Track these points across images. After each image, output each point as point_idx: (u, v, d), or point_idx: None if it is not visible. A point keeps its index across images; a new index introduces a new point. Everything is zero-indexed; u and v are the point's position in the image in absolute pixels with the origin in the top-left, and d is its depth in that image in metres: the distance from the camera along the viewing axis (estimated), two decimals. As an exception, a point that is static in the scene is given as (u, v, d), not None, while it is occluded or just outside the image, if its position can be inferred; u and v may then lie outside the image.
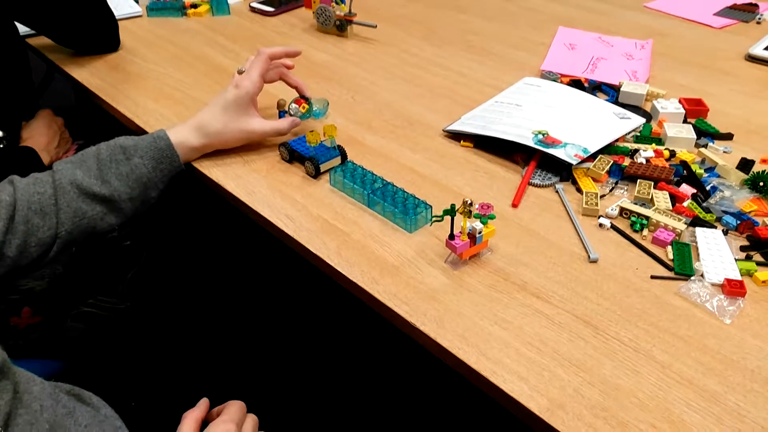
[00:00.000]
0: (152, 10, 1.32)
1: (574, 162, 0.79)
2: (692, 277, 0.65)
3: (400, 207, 0.72)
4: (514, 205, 0.75)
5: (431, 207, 0.72)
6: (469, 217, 0.64)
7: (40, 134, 1.01)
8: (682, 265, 0.66)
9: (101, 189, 0.74)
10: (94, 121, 1.22)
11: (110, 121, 1.02)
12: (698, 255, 0.67)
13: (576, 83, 1.02)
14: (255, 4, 1.36)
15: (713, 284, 0.64)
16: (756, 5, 1.35)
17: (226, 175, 0.82)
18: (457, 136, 0.89)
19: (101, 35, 1.12)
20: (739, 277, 0.64)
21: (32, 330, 0.89)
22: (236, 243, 1.37)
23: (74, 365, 0.91)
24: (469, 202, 0.62)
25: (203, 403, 0.71)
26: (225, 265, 1.32)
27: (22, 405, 0.52)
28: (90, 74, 1.07)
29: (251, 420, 0.69)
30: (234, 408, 0.69)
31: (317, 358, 1.25)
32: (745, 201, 0.75)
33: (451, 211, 0.63)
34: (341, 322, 1.29)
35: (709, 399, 0.53)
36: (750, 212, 0.73)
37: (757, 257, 0.68)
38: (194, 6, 1.34)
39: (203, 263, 1.21)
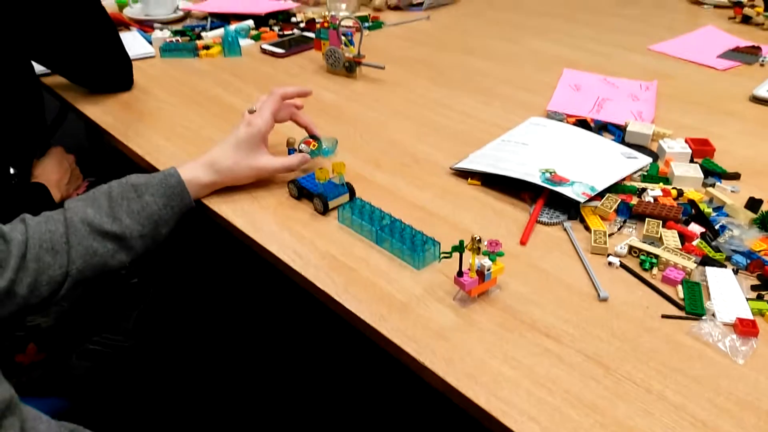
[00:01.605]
0: (165, 51, 1.35)
1: (581, 200, 0.79)
2: (703, 317, 0.64)
3: (408, 244, 0.72)
4: (523, 243, 0.75)
5: (439, 244, 0.72)
6: (477, 254, 0.63)
7: (51, 171, 1.02)
8: (693, 304, 0.65)
9: (112, 226, 0.74)
10: (105, 160, 1.24)
11: (121, 160, 1.03)
12: (709, 294, 0.67)
13: (582, 123, 1.03)
14: (266, 46, 1.39)
15: (725, 324, 0.63)
16: (759, 48, 1.37)
17: (234, 211, 0.82)
18: (464, 174, 0.90)
19: (116, 74, 1.15)
20: (751, 317, 0.63)
21: (36, 367, 0.89)
22: (243, 281, 1.37)
23: (78, 404, 0.90)
24: (478, 238, 0.62)
25: None
26: (232, 302, 1.32)
27: (27, 443, 0.51)
28: (103, 112, 1.09)
29: None
30: None
31: (323, 397, 1.23)
32: (754, 240, 0.75)
33: (459, 248, 0.63)
34: (347, 359, 1.28)
35: (724, 442, 0.52)
36: (760, 251, 0.73)
37: (769, 297, 0.67)
38: (207, 47, 1.37)
39: (210, 301, 1.21)
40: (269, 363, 1.27)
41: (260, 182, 0.87)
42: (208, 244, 1.24)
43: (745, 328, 0.62)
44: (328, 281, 0.70)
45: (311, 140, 0.91)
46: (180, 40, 1.40)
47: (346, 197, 0.82)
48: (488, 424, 0.55)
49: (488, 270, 0.65)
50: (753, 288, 0.68)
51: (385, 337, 0.62)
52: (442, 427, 1.13)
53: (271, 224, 0.79)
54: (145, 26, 1.50)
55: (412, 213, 0.81)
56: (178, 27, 1.51)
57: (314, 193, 0.81)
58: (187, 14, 1.60)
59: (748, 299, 0.66)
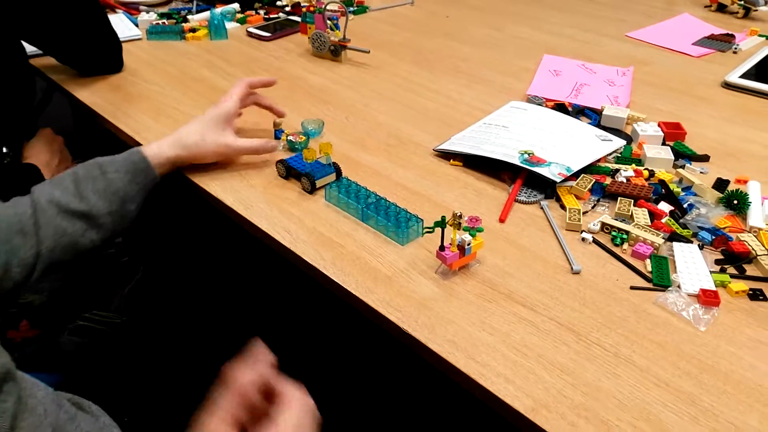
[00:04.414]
0: (152, 33, 1.36)
1: (558, 180, 0.83)
2: (669, 288, 0.68)
3: (392, 221, 0.75)
4: (501, 221, 0.79)
5: (422, 221, 0.75)
6: (458, 229, 0.67)
7: (41, 152, 1.03)
8: (660, 276, 0.69)
9: (79, 205, 0.76)
10: (92, 142, 1.24)
11: (109, 142, 1.04)
12: (675, 267, 0.71)
13: (560, 107, 1.06)
14: (252, 29, 1.40)
15: (689, 294, 0.67)
16: (732, 36, 1.42)
17: (224, 189, 0.85)
18: (446, 155, 0.93)
19: (106, 57, 1.16)
20: (713, 288, 0.68)
21: (29, 343, 0.90)
22: (232, 257, 1.39)
23: (70, 379, 0.92)
24: (459, 214, 0.66)
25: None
26: (222, 279, 1.34)
27: (26, 409, 0.53)
28: (91, 94, 1.10)
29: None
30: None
31: (314, 370, 1.26)
32: (719, 218, 0.79)
33: (441, 223, 0.67)
34: (337, 332, 1.31)
35: (685, 400, 0.56)
36: (724, 228, 0.77)
37: (731, 270, 0.71)
38: (193, 30, 1.38)
39: (200, 278, 1.23)
40: (260, 335, 1.29)
41: (249, 162, 0.90)
42: (197, 221, 1.26)
43: (707, 299, 0.66)
44: (317, 256, 0.73)
45: (300, 135, 0.94)
46: (166, 23, 1.41)
47: (332, 176, 0.85)
48: (467, 386, 0.58)
49: (468, 245, 0.68)
50: (717, 262, 0.73)
51: (371, 308, 0.66)
52: (425, 393, 1.16)
53: (260, 202, 0.82)
54: (131, 9, 1.51)
55: (397, 192, 0.84)
56: (164, 9, 1.52)
57: (302, 172, 0.84)
58: (173, -3, 1.61)
59: (711, 272, 0.70)
